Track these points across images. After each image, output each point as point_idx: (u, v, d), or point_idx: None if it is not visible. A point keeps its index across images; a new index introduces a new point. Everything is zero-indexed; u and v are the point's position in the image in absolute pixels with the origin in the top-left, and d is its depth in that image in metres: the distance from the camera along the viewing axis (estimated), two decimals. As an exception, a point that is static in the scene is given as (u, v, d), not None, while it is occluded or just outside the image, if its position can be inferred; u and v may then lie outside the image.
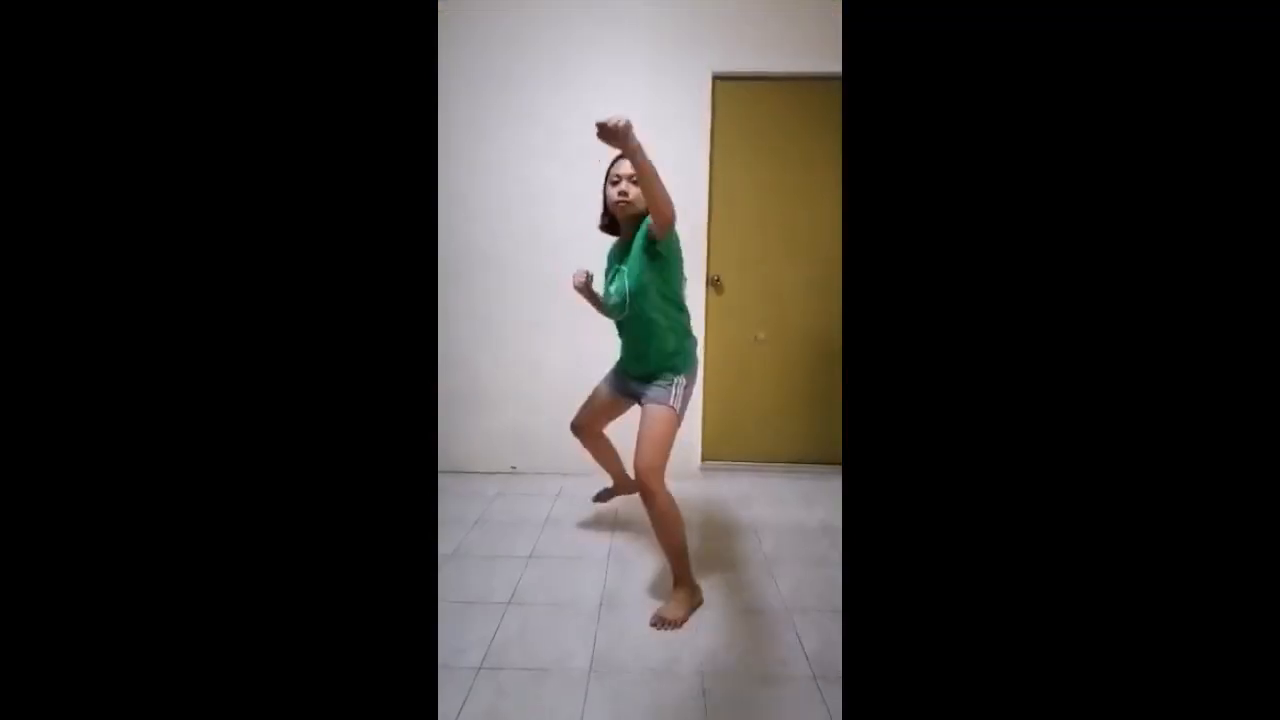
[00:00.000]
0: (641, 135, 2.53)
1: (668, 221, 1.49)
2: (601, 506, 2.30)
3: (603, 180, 1.68)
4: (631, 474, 1.63)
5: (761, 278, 2.70)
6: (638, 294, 1.61)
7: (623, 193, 1.59)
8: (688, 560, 1.71)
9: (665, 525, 1.64)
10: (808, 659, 1.49)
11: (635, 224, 1.61)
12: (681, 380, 1.69)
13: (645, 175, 1.42)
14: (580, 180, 2.56)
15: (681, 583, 1.70)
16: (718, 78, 2.54)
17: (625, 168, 1.59)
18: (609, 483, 2.19)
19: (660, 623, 1.63)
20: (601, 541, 2.11)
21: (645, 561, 1.97)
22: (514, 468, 2.76)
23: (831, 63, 2.49)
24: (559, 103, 2.55)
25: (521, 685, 1.40)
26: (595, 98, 2.54)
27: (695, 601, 1.72)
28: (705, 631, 1.61)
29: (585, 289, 1.76)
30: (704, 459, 2.78)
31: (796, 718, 1.31)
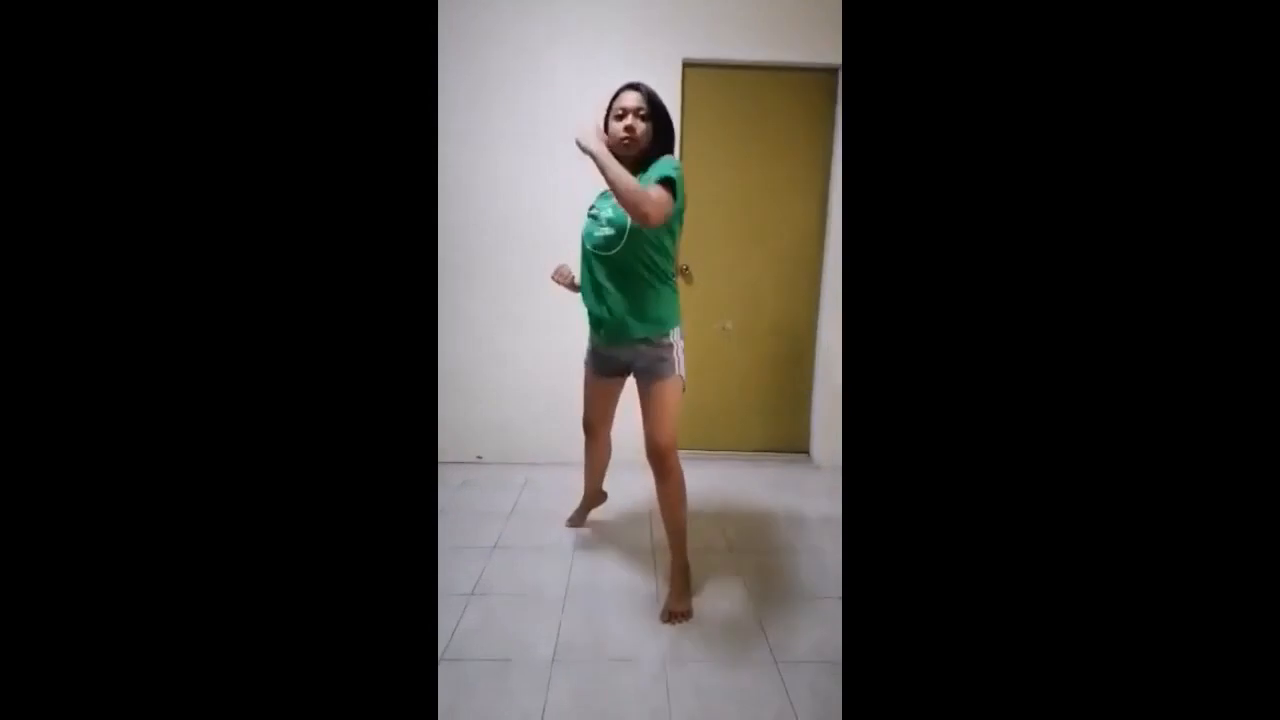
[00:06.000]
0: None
1: (647, 222, 1.35)
2: (569, 495, 2.27)
3: (606, 111, 1.54)
4: (648, 458, 1.62)
5: (730, 267, 2.70)
6: (631, 234, 1.47)
7: (629, 128, 1.47)
8: (686, 543, 1.69)
9: (676, 503, 1.63)
10: (769, 645, 1.51)
11: (638, 163, 1.50)
12: (675, 341, 1.58)
13: (612, 185, 1.33)
14: (550, 170, 2.52)
15: (680, 569, 1.67)
16: (688, 64, 2.52)
17: (630, 100, 1.48)
18: (578, 473, 2.14)
19: (671, 617, 1.60)
20: (567, 531, 2.10)
21: (610, 551, 1.97)
22: (479, 457, 2.73)
23: (802, 52, 2.49)
24: (527, 93, 2.49)
25: (483, 676, 1.38)
26: (565, 85, 2.49)
27: (690, 587, 1.69)
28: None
29: (567, 283, 1.68)
30: (671, 448, 2.79)
31: (759, 703, 1.33)
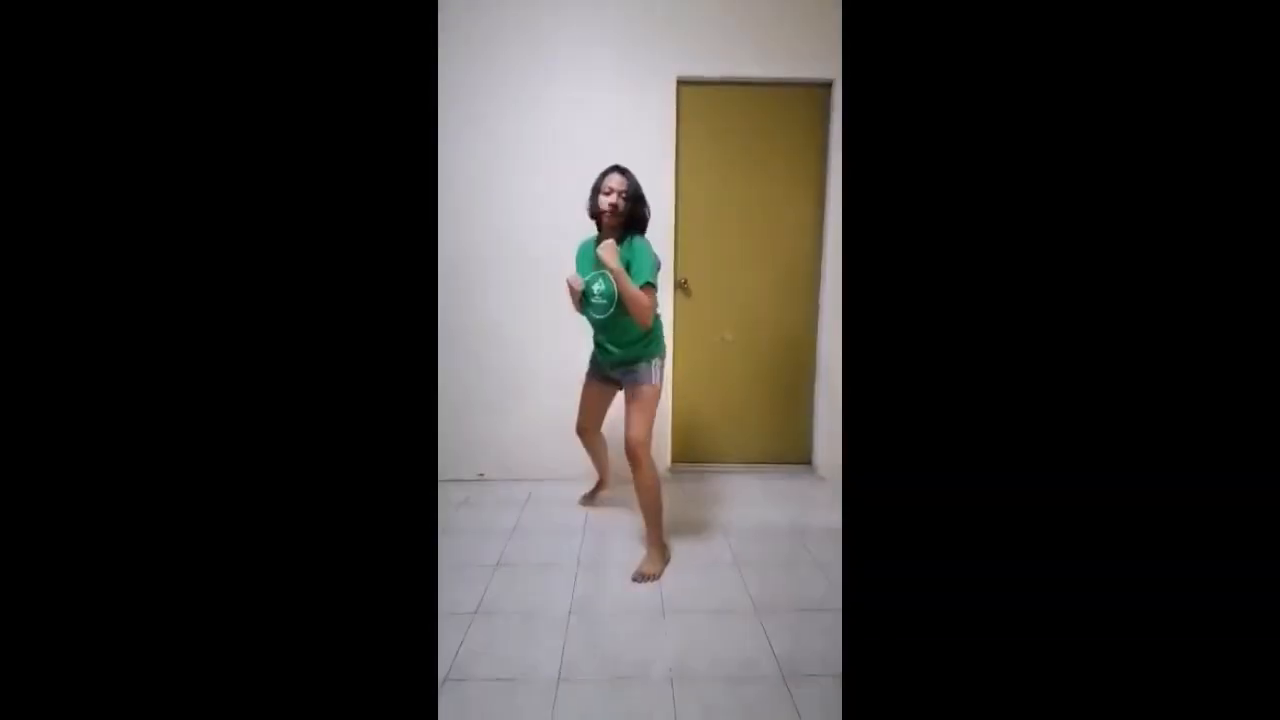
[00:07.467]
0: (608, 139, 2.57)
1: (643, 322, 1.80)
2: (571, 512, 2.28)
3: (591, 188, 1.86)
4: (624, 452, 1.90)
5: (729, 280, 2.71)
6: (619, 302, 1.81)
7: (613, 204, 1.80)
8: (662, 522, 1.96)
9: (648, 488, 1.90)
10: (776, 660, 1.50)
11: (617, 230, 1.83)
12: (658, 361, 1.92)
13: (623, 293, 1.75)
14: (547, 184, 2.54)
15: (655, 542, 1.95)
16: (682, 81, 2.55)
17: (617, 181, 1.81)
18: (582, 488, 2.21)
19: (641, 578, 1.85)
20: (570, 548, 2.09)
21: (614, 568, 1.96)
22: (482, 475, 2.72)
23: (795, 67, 2.52)
24: (523, 106, 2.52)
25: (488, 697, 1.37)
26: (560, 101, 2.52)
27: (666, 557, 1.97)
28: (674, 634, 1.60)
29: (577, 293, 1.89)
30: (673, 461, 2.78)
31: (766, 718, 1.32)
